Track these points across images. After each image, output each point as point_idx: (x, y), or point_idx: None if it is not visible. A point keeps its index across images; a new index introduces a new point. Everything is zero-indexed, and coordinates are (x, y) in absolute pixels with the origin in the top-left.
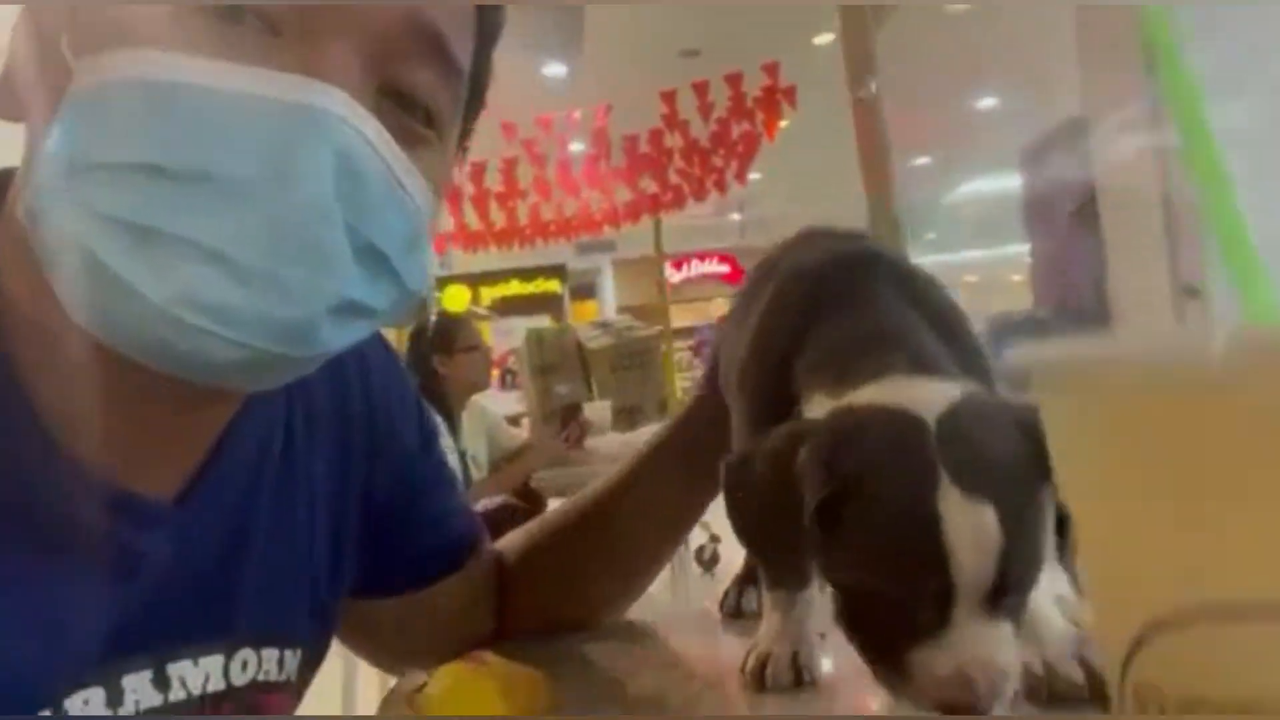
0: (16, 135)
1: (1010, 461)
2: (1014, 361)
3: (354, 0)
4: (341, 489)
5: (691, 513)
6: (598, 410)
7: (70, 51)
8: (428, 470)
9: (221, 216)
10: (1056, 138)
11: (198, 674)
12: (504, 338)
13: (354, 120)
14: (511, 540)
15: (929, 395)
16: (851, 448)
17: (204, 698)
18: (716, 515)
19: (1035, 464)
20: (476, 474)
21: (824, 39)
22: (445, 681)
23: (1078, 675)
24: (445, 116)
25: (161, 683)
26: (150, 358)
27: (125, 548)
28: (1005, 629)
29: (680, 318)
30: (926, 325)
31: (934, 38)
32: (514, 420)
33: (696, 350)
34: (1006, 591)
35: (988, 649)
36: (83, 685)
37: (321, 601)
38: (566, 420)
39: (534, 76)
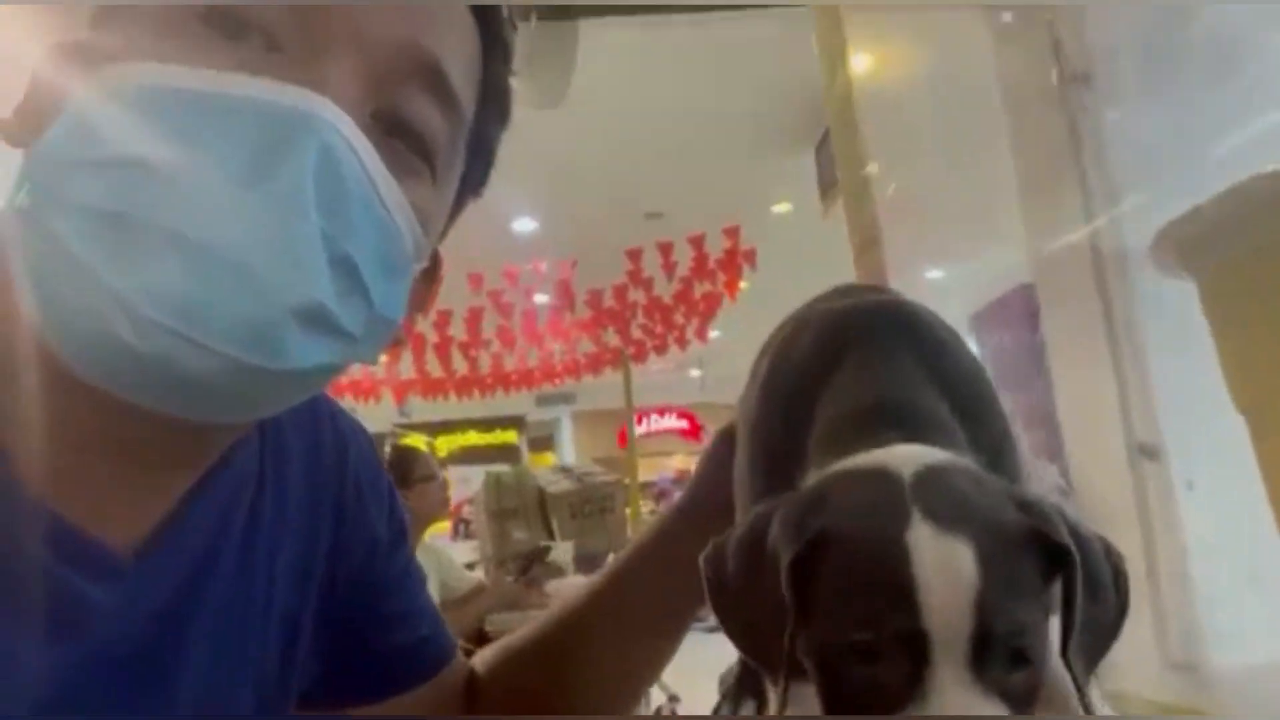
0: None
1: (997, 518)
2: None
3: (355, 0)
4: (304, 573)
5: (680, 618)
6: (559, 552)
7: (79, 72)
8: (395, 567)
9: (194, 204)
10: (1005, 301)
11: None
12: (461, 486)
13: (343, 129)
14: (486, 654)
15: (910, 454)
16: (822, 505)
17: None
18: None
19: (1038, 548)
20: None
21: (782, 208)
22: None
23: None
24: (441, 153)
25: None
26: (114, 373)
27: (77, 598)
28: (994, 705)
29: (640, 471)
30: (940, 395)
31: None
32: (469, 567)
33: (658, 499)
34: (991, 646)
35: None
36: None
37: (269, 691)
38: (528, 564)
39: (504, 230)
